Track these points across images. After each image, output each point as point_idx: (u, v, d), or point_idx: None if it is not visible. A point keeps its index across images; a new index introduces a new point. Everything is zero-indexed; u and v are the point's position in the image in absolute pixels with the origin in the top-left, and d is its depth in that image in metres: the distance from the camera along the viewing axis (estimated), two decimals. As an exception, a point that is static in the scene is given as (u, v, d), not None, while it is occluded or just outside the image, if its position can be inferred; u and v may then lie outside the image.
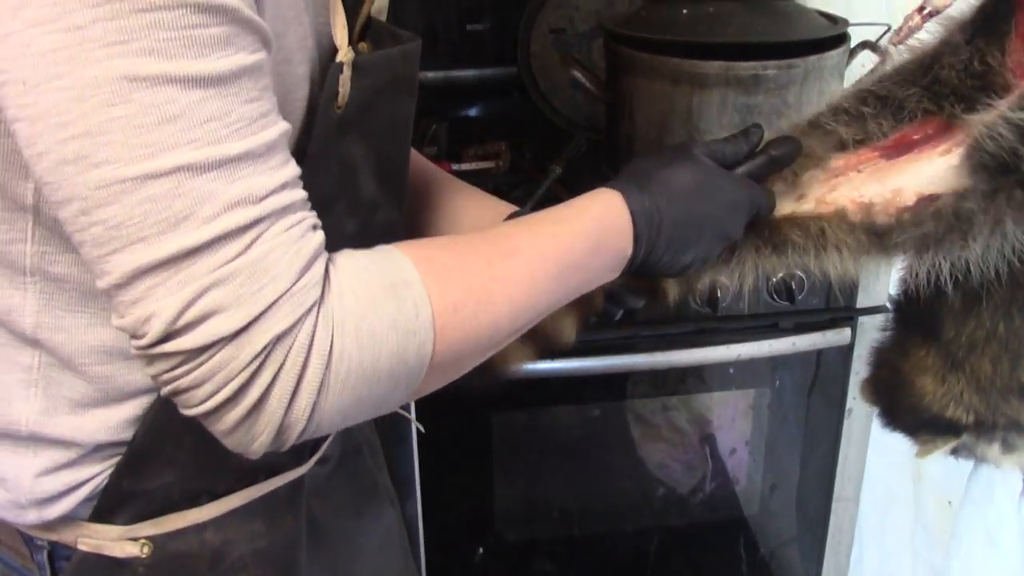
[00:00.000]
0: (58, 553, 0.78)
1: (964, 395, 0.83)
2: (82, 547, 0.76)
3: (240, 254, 0.57)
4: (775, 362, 1.46)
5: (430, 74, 1.74)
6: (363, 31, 0.83)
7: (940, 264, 0.75)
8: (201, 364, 0.57)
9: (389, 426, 1.39)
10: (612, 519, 1.62)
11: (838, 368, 1.47)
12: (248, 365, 0.57)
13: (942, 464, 1.48)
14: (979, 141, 0.72)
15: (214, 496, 0.80)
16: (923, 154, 0.78)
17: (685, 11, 1.34)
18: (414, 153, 1.01)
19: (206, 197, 0.56)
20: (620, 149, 1.42)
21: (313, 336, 0.59)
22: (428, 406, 1.36)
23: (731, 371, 1.48)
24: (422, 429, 1.19)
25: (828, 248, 0.79)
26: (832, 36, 1.32)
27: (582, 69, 1.41)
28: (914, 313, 0.86)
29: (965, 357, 0.82)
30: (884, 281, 1.42)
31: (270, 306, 0.58)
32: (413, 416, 1.31)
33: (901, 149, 0.80)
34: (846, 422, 1.50)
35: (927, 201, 0.75)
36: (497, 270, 0.69)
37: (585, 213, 0.76)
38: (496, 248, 0.71)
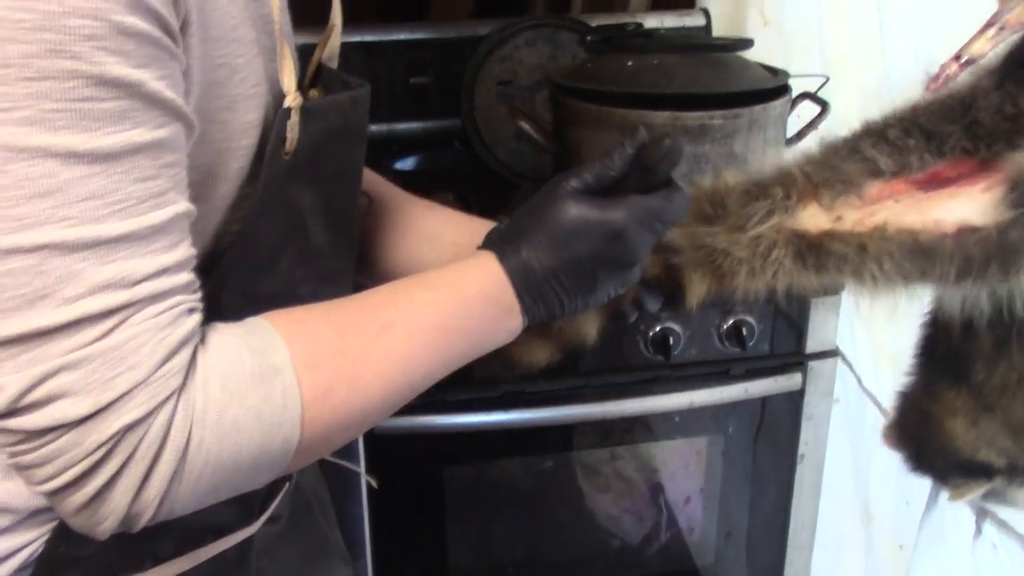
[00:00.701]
0: None
1: (997, 438, 0.82)
2: None
3: (98, 339, 0.55)
4: (727, 409, 1.46)
5: (374, 127, 1.73)
6: (315, 77, 0.83)
7: (977, 295, 0.74)
8: (43, 445, 0.55)
9: (338, 481, 1.35)
10: (566, 574, 1.60)
11: (789, 413, 1.48)
12: (92, 453, 0.56)
13: (891, 508, 1.50)
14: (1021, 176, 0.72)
15: (158, 560, 0.76)
16: (962, 189, 0.76)
17: (630, 63, 1.36)
18: (380, 181, 1.01)
19: (71, 277, 0.54)
20: (569, 199, 1.42)
21: (169, 427, 0.57)
22: (379, 460, 1.33)
23: (682, 419, 1.47)
24: (375, 484, 1.16)
25: (870, 262, 0.76)
26: (775, 87, 1.34)
27: (529, 121, 1.42)
28: (942, 356, 0.85)
29: (997, 400, 0.81)
30: (831, 326, 1.44)
31: (123, 395, 0.56)
32: (363, 470, 1.28)
33: (936, 184, 0.79)
34: (799, 468, 1.51)
35: (968, 231, 0.74)
36: (371, 349, 0.68)
37: (464, 280, 0.74)
38: (371, 322, 0.69)
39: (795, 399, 1.45)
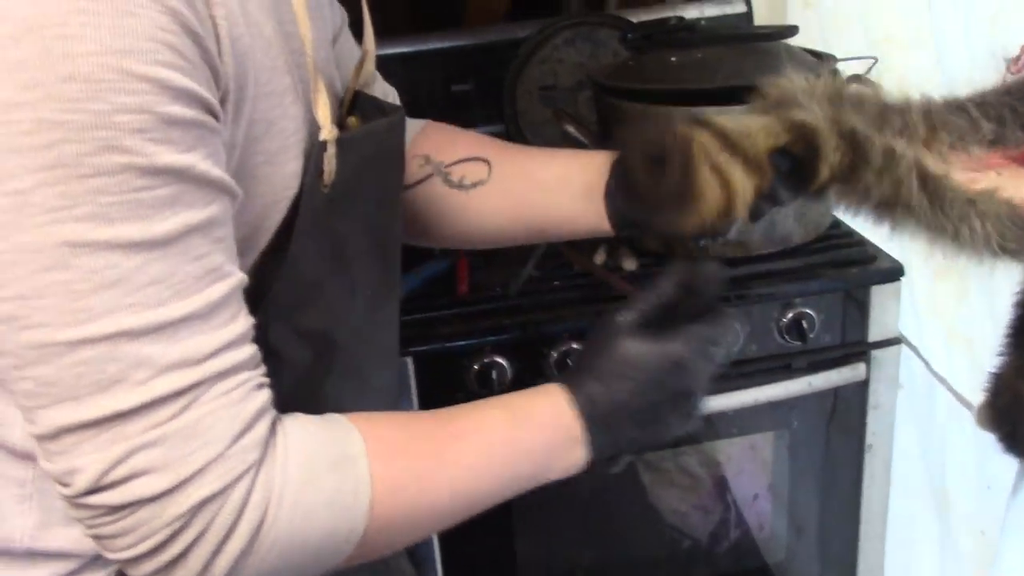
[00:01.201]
0: None
1: None
2: None
3: (173, 417, 0.57)
4: (791, 404, 1.43)
5: (418, 137, 1.73)
6: (352, 105, 0.82)
7: None
8: (123, 519, 0.57)
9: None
10: (634, 575, 1.59)
11: (854, 404, 1.45)
12: (170, 524, 0.57)
13: (971, 494, 1.46)
14: None
15: None
16: None
17: (673, 58, 1.34)
18: (493, 143, 1.00)
19: (141, 361, 0.56)
20: (618, 200, 1.41)
21: (247, 501, 0.59)
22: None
23: (746, 416, 1.45)
24: None
25: (972, 216, 0.73)
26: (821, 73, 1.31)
27: (574, 123, 1.41)
28: None
29: None
30: (893, 313, 1.41)
31: (199, 470, 0.57)
32: None
33: None
34: (867, 458, 1.48)
35: None
36: (444, 454, 0.69)
37: (534, 405, 0.75)
38: (445, 429, 0.71)
39: (860, 390, 1.42)
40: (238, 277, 0.62)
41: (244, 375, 0.61)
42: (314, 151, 0.71)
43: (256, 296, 0.70)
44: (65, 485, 0.57)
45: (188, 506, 0.57)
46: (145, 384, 0.56)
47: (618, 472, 0.89)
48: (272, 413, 0.63)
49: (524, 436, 0.74)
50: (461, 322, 1.29)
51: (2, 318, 0.54)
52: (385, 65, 1.70)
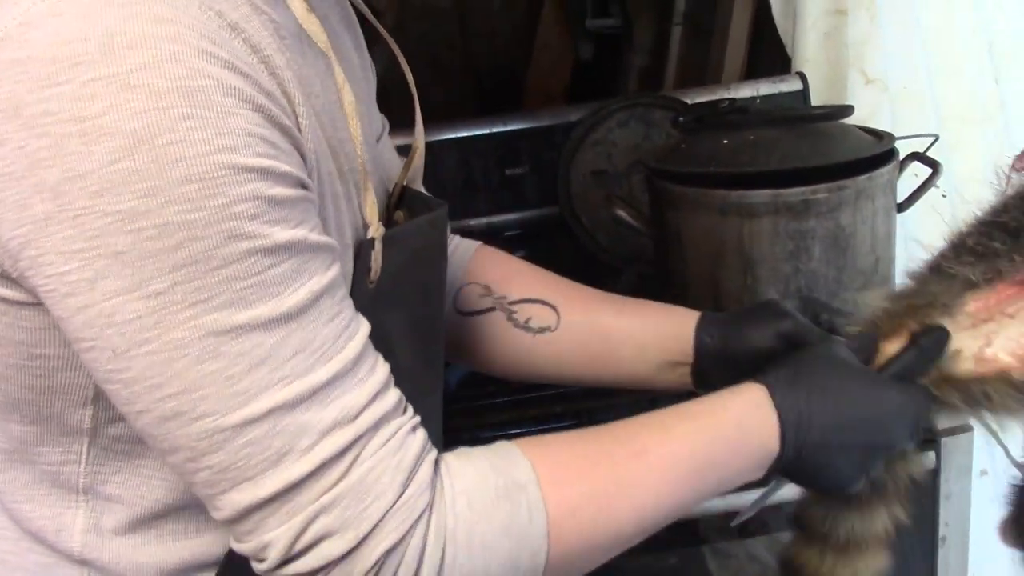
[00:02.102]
0: None
1: None
2: None
3: (342, 478, 0.60)
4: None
5: (472, 221, 1.73)
6: (399, 200, 0.83)
7: None
8: None
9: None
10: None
11: (925, 494, 1.38)
12: None
13: (1050, 592, 1.39)
14: None
15: None
16: None
17: (725, 141, 1.32)
18: (566, 284, 1.01)
19: (303, 430, 0.59)
20: (673, 284, 1.39)
21: (424, 546, 0.61)
22: None
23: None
24: None
25: (994, 411, 0.74)
26: (880, 153, 1.29)
27: (626, 207, 1.39)
28: None
29: None
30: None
31: (377, 523, 0.60)
32: None
33: None
34: (940, 551, 1.41)
35: None
36: (622, 472, 0.69)
37: (725, 410, 0.74)
38: (623, 448, 0.70)
39: (930, 478, 1.36)
40: (366, 328, 0.65)
41: (396, 421, 0.64)
42: (362, 248, 0.73)
43: None
44: (260, 561, 0.61)
45: (374, 559, 0.60)
46: (310, 451, 0.59)
47: (741, 523, 0.86)
48: (432, 453, 0.65)
49: (714, 448, 0.73)
50: (512, 410, 1.28)
51: (169, 415, 0.57)
52: (441, 149, 1.72)
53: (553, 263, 1.76)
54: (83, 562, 0.70)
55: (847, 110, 1.34)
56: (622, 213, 1.38)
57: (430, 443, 0.65)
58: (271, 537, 0.59)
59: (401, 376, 0.79)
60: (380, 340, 0.76)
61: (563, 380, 1.01)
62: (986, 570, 1.47)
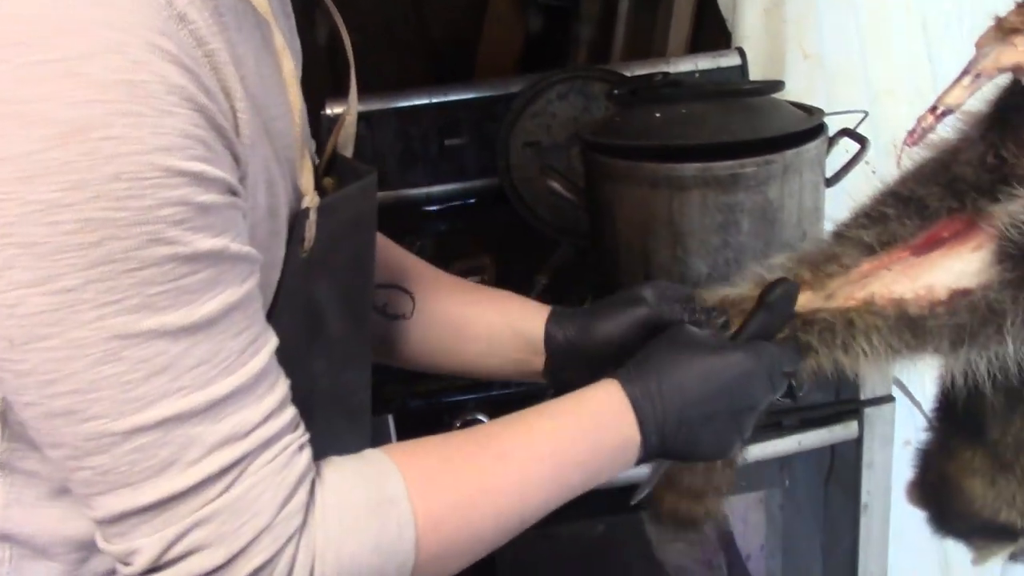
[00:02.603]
0: None
1: (1016, 498, 0.80)
2: None
3: (222, 493, 0.59)
4: (782, 462, 1.41)
5: (412, 191, 1.74)
6: (328, 166, 0.84)
7: (976, 361, 0.72)
8: None
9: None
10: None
11: (848, 463, 1.42)
12: None
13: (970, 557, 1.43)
14: (1005, 231, 0.71)
15: None
16: (953, 250, 0.76)
17: (658, 114, 1.34)
18: (425, 272, 1.01)
19: (192, 442, 0.58)
20: (606, 256, 1.40)
21: (292, 565, 0.61)
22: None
23: (738, 474, 1.43)
24: None
25: (858, 336, 0.76)
26: (809, 129, 1.30)
27: (560, 179, 1.40)
28: (955, 413, 0.82)
29: (1014, 458, 0.79)
30: (888, 369, 1.39)
31: (251, 542, 0.60)
32: None
33: (931, 246, 0.78)
34: (863, 518, 1.45)
35: (960, 295, 0.73)
36: (487, 479, 0.70)
37: (582, 407, 0.76)
38: (486, 452, 0.71)
39: (853, 448, 1.40)
40: (273, 343, 0.64)
41: (286, 440, 0.63)
42: (297, 219, 0.73)
43: None
44: (126, 564, 0.59)
45: None
46: (196, 464, 0.58)
47: (639, 500, 0.89)
48: (312, 473, 0.64)
49: (575, 446, 0.74)
50: (443, 379, 1.27)
51: (59, 412, 0.56)
52: (381, 119, 1.72)
53: (491, 234, 1.78)
54: (5, 536, 0.69)
55: (777, 85, 1.36)
56: (556, 185, 1.39)
57: (312, 463, 0.65)
58: (141, 544, 0.58)
59: (330, 346, 0.80)
60: (310, 309, 0.76)
61: (419, 366, 1.01)
62: (908, 538, 1.51)
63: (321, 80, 2.00)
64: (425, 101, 1.74)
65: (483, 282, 1.52)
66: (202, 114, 0.57)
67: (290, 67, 0.71)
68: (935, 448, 0.87)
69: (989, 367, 0.73)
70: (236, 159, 0.62)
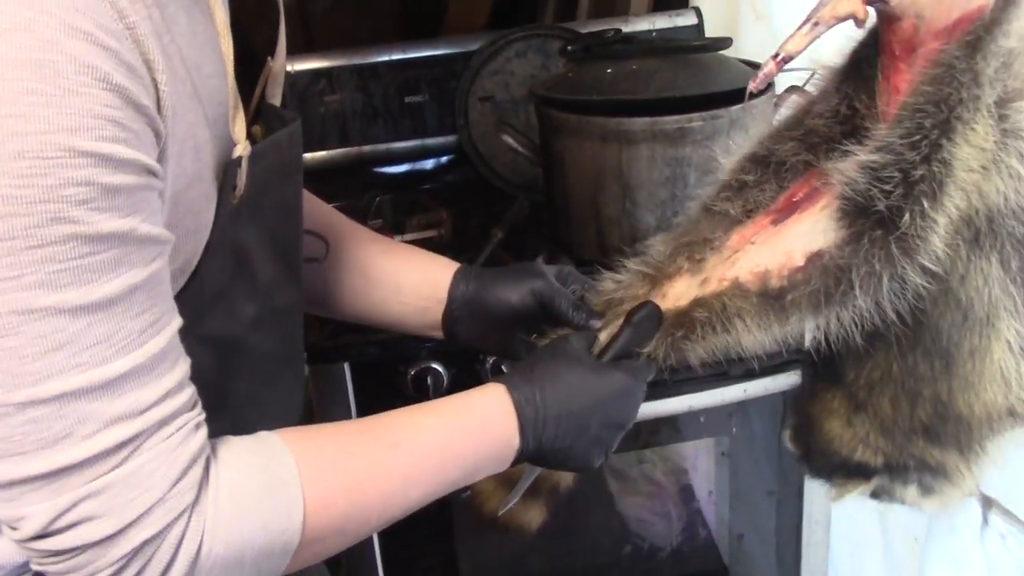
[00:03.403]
0: None
1: (870, 436, 0.84)
2: None
3: (116, 467, 0.60)
4: (728, 410, 1.45)
5: (369, 147, 1.76)
6: (255, 115, 0.85)
7: (840, 317, 0.76)
8: (70, 559, 0.61)
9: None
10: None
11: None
12: (113, 564, 0.61)
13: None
14: (840, 188, 0.73)
15: None
16: (806, 212, 0.79)
17: (609, 70, 1.36)
18: (343, 220, 1.04)
19: (87, 417, 0.59)
20: (558, 210, 1.43)
21: (182, 538, 0.62)
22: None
23: (683, 422, 1.47)
24: None
25: (732, 319, 0.79)
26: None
27: (514, 133, 1.43)
28: (821, 358, 0.86)
29: (867, 398, 0.82)
30: (772, 343, 1.43)
31: (141, 515, 0.61)
32: None
33: (788, 211, 0.81)
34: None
35: (814, 258, 0.77)
36: (376, 467, 0.73)
37: (469, 407, 0.80)
38: (378, 442, 0.74)
39: (797, 396, 1.43)
40: (176, 323, 0.65)
41: (183, 419, 0.64)
42: (229, 167, 0.73)
43: None
44: (14, 529, 0.60)
45: (129, 548, 0.61)
46: (90, 438, 0.58)
47: (510, 506, 0.95)
48: (207, 452, 0.66)
49: (459, 443, 0.78)
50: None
51: None
52: (341, 76, 1.74)
53: (451, 190, 1.80)
54: None
55: (725, 41, 1.38)
56: (510, 140, 1.42)
57: (207, 443, 0.66)
58: (31, 511, 0.59)
59: (260, 293, 0.81)
60: (239, 255, 0.78)
61: (329, 312, 1.04)
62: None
63: (289, 38, 2.01)
64: (386, 58, 1.75)
65: (440, 237, 1.55)
66: (118, 94, 0.57)
67: (222, 17, 0.71)
68: (803, 393, 0.91)
69: (853, 319, 0.77)
70: (157, 134, 0.62)
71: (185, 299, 0.73)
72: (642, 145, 1.30)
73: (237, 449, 0.68)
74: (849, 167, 0.74)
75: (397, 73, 1.75)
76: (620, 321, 0.87)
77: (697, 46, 1.41)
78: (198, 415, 0.66)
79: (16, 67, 0.53)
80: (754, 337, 0.79)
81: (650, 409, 1.39)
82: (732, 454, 1.50)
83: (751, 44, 1.73)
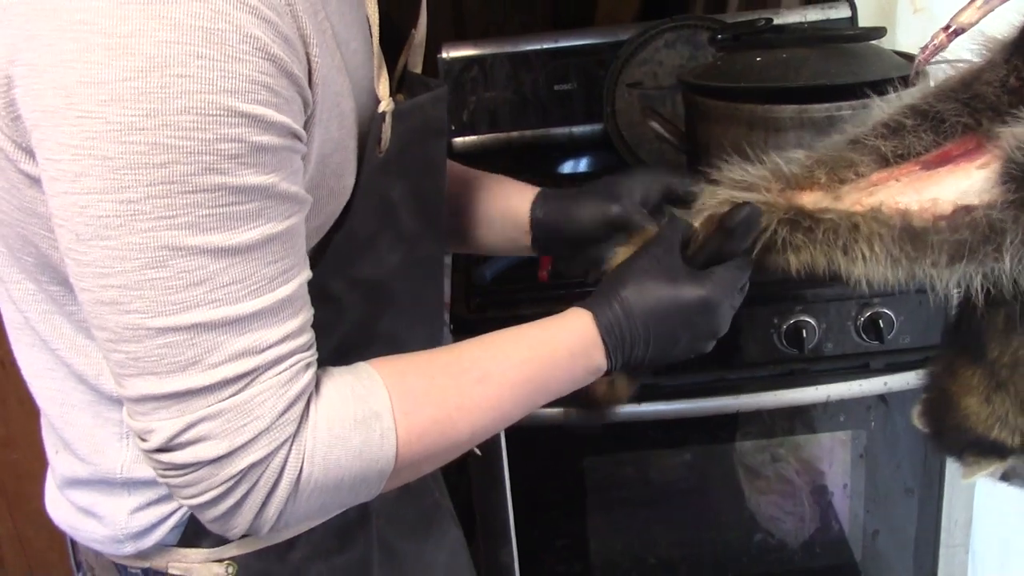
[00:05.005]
0: None
1: (1009, 416, 0.82)
2: (172, 571, 0.84)
3: (233, 395, 0.66)
4: (867, 404, 1.44)
5: (517, 133, 1.81)
6: (399, 83, 0.92)
7: (972, 276, 0.76)
8: (187, 474, 0.68)
9: (482, 473, 1.43)
10: (710, 565, 1.61)
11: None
12: (226, 482, 0.68)
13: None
14: (1010, 152, 0.73)
15: None
16: (961, 167, 0.79)
17: (759, 59, 1.37)
18: (453, 165, 1.10)
19: (215, 348, 0.65)
20: (702, 196, 1.45)
21: (285, 464, 0.69)
22: (520, 452, 1.40)
23: (820, 414, 1.46)
24: (478, 452, 1.30)
25: (860, 240, 0.79)
26: (908, 75, 1.32)
27: (660, 119, 1.45)
28: (962, 335, 0.85)
29: (1009, 377, 0.81)
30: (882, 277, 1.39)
31: (250, 440, 0.67)
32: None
33: (941, 162, 0.81)
34: (948, 464, 1.47)
35: (963, 212, 0.76)
36: (465, 398, 0.77)
37: (557, 338, 0.82)
38: (468, 375, 0.78)
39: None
40: (305, 275, 0.71)
41: (296, 358, 0.70)
42: (373, 122, 0.80)
43: (319, 251, 0.80)
44: (143, 440, 0.68)
45: (239, 470, 0.67)
46: (215, 368, 0.65)
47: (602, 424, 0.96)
48: (311, 390, 0.72)
49: (547, 373, 0.81)
50: (536, 305, 1.35)
51: (107, 301, 0.64)
52: (493, 63, 1.79)
53: (595, 177, 1.83)
54: (120, 401, 0.77)
55: (879, 31, 1.37)
56: (656, 124, 1.44)
57: (314, 381, 0.72)
58: (158, 426, 0.66)
59: (403, 242, 0.88)
60: (385, 206, 0.85)
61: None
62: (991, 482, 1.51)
63: (443, 27, 2.09)
64: (537, 47, 1.80)
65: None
66: (273, 63, 0.63)
67: None
68: (941, 369, 0.90)
69: (984, 282, 0.76)
70: (305, 102, 0.69)
71: (338, 245, 0.81)
72: (790, 133, 1.30)
73: (336, 383, 0.73)
74: (1023, 132, 0.74)
75: (547, 62, 1.80)
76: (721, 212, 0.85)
77: (849, 35, 1.40)
78: (310, 356, 0.72)
79: (190, 32, 0.59)
80: (871, 268, 0.79)
81: (786, 398, 1.40)
82: (870, 449, 1.49)
83: (908, 37, 1.70)
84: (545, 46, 1.80)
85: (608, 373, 0.85)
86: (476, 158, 1.79)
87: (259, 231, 0.65)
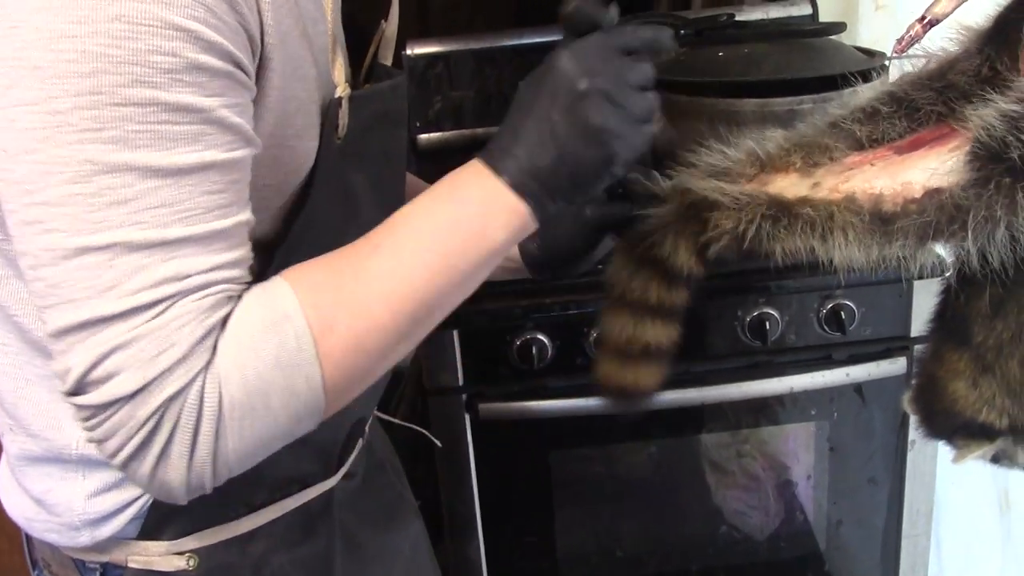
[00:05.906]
0: (109, 574, 0.84)
1: (996, 398, 0.84)
2: (132, 565, 0.82)
3: (148, 321, 0.62)
4: (829, 395, 1.45)
5: (483, 130, 1.81)
6: (368, 73, 0.92)
7: (945, 256, 0.78)
8: (106, 420, 0.63)
9: (449, 467, 1.43)
10: (676, 557, 1.62)
11: (896, 399, 1.45)
12: (144, 424, 0.63)
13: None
14: (975, 132, 0.75)
15: (252, 508, 0.86)
16: (933, 151, 0.81)
17: (721, 53, 1.39)
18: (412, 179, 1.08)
19: (135, 272, 0.62)
20: (665, 190, 1.45)
21: (203, 393, 0.64)
22: (486, 444, 1.40)
23: (783, 405, 1.48)
24: (438, 444, 1.31)
25: (835, 230, 0.81)
26: (867, 69, 1.33)
27: (624, 115, 1.45)
28: (947, 321, 0.87)
29: (994, 360, 0.83)
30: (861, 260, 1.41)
31: (165, 371, 0.62)
32: (428, 432, 1.34)
33: (914, 147, 0.83)
34: (910, 455, 1.48)
35: (933, 194, 0.78)
36: (363, 271, 0.70)
37: (447, 191, 0.74)
38: (361, 249, 0.72)
39: (901, 384, 1.43)
40: (246, 216, 0.68)
41: (224, 286, 0.66)
42: (330, 108, 0.79)
43: (279, 238, 0.79)
44: (63, 384, 0.64)
45: (155, 405, 0.62)
46: (133, 294, 0.62)
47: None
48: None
49: (441, 211, 0.73)
50: (506, 299, 1.35)
51: (30, 220, 0.62)
52: (458, 60, 1.80)
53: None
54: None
55: (838, 27, 1.39)
56: (619, 120, 1.45)
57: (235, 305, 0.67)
58: (73, 363, 0.62)
59: (365, 231, 0.87)
60: (346, 195, 0.84)
61: None
62: (956, 472, 1.54)
63: (407, 25, 2.08)
64: (502, 44, 1.80)
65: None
66: None
67: None
68: (928, 356, 0.92)
69: (955, 263, 0.79)
70: (251, 39, 0.67)
71: (299, 232, 0.79)
72: (752, 127, 1.30)
73: (245, 299, 0.68)
74: (989, 113, 0.75)
75: (512, 58, 1.80)
76: None
77: (810, 30, 1.42)
78: (239, 288, 0.67)
79: None
80: (847, 253, 0.81)
81: (750, 390, 1.41)
82: (834, 440, 1.50)
83: (870, 35, 1.72)
84: (510, 43, 1.80)
85: (533, 210, 0.73)
86: (441, 155, 1.80)
87: (196, 156, 0.63)
